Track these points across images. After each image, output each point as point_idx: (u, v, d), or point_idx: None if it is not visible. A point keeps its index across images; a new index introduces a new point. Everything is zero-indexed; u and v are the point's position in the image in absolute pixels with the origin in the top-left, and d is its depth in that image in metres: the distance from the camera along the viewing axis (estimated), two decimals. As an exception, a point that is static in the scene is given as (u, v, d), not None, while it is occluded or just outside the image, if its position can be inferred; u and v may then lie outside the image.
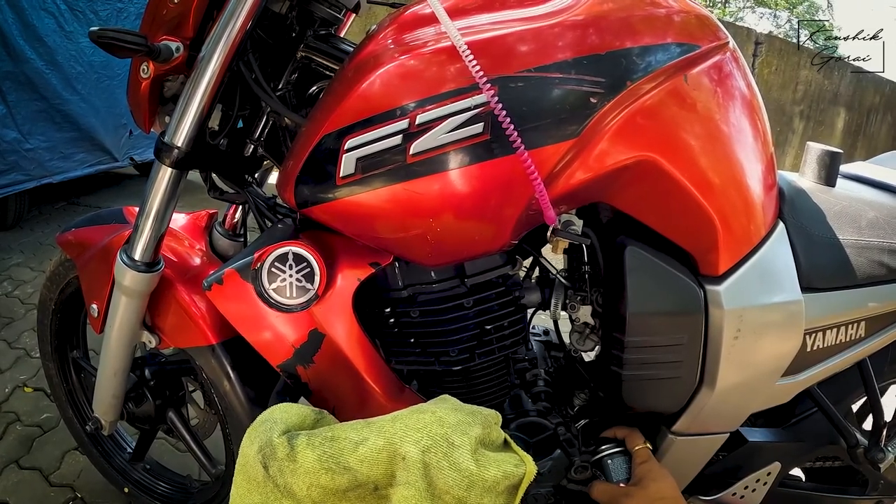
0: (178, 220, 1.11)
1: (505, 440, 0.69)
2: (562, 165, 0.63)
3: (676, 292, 0.76)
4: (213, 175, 0.87)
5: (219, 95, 0.73)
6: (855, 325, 0.90)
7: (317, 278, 0.71)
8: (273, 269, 0.71)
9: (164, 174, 0.76)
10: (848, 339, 0.91)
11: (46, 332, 1.24)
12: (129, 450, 1.30)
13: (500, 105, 0.59)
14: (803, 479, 1.24)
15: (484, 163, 0.61)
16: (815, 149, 0.95)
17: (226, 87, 0.74)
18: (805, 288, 0.82)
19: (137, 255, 0.83)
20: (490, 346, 0.82)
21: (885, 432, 1.03)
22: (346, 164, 0.63)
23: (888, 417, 1.22)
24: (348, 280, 0.73)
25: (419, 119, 0.60)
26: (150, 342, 1.00)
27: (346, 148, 0.63)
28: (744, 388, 0.83)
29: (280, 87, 0.85)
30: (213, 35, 0.69)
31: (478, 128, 0.60)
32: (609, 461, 0.81)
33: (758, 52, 3.71)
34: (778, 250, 0.80)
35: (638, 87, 0.64)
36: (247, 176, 0.91)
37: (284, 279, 0.72)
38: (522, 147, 0.59)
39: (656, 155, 0.66)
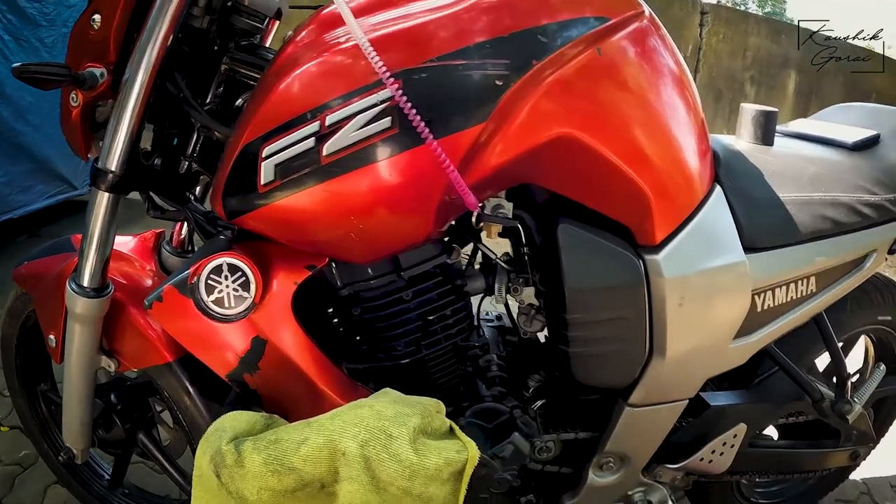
0: (127, 243, 1.09)
1: (451, 427, 0.68)
2: (475, 151, 0.62)
3: (614, 266, 0.74)
4: (153, 195, 0.86)
5: (146, 116, 0.72)
6: (805, 281, 0.89)
7: (252, 286, 0.71)
8: (209, 282, 0.71)
9: (102, 199, 0.75)
10: (799, 296, 0.90)
11: (12, 368, 1.21)
12: (106, 477, 1.28)
13: (404, 98, 0.58)
14: (777, 437, 1.24)
15: (396, 156, 0.61)
16: (749, 110, 0.93)
17: (155, 106, 0.73)
18: (748, 248, 0.80)
19: (85, 282, 0.82)
20: (435, 336, 0.80)
21: (849, 384, 1.03)
22: (266, 172, 0.64)
23: (853, 369, 1.23)
24: (285, 285, 0.74)
25: (329, 120, 0.60)
26: (109, 367, 0.99)
27: (264, 156, 0.63)
28: (696, 354, 0.81)
29: (209, 101, 0.84)
30: (135, 58, 0.69)
31: (386, 122, 0.60)
32: None
33: (704, 21, 3.72)
34: (716, 214, 0.78)
35: (546, 66, 0.62)
36: (188, 192, 0.90)
37: (221, 290, 0.72)
38: (431, 136, 0.59)
39: (575, 130, 0.64)
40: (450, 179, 0.62)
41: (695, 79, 3.96)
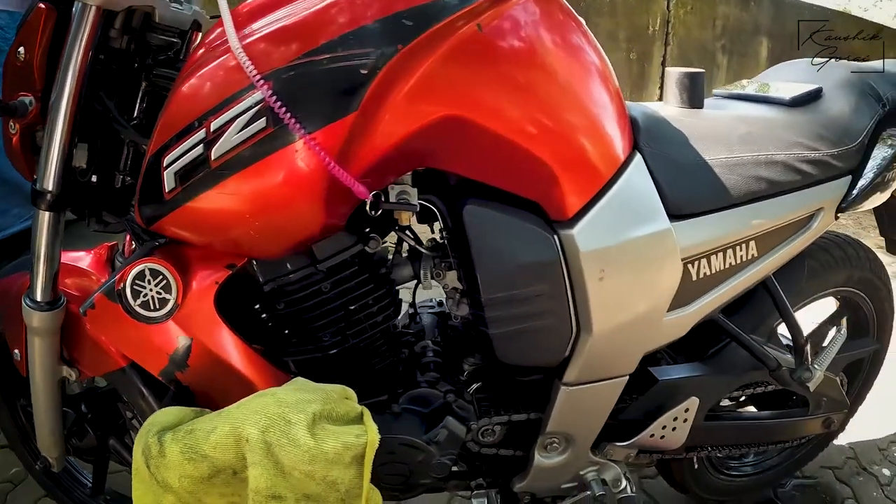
0: (82, 258, 1.12)
1: (362, 413, 0.69)
2: (352, 141, 0.62)
3: (526, 243, 0.72)
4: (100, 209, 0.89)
5: (77, 136, 0.76)
6: (743, 246, 0.85)
7: (173, 289, 0.75)
8: (135, 287, 0.75)
9: (44, 218, 0.79)
10: (739, 262, 0.86)
11: (-8, 386, 1.25)
12: (88, 484, 1.31)
13: (273, 97, 0.60)
14: (751, 409, 1.21)
15: (274, 154, 0.62)
16: (673, 73, 0.89)
17: (85, 125, 0.77)
18: (674, 216, 0.77)
19: (38, 297, 0.85)
20: (360, 325, 0.80)
21: (807, 350, 0.99)
22: (168, 180, 0.67)
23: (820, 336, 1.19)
24: (206, 285, 0.76)
25: (213, 126, 0.63)
26: (70, 376, 1.02)
27: (165, 164, 0.67)
28: (627, 329, 0.79)
29: (135, 115, 0.86)
30: (58, 83, 0.72)
31: (262, 123, 0.62)
32: None
33: (672, -8, 3.63)
34: (636, 182, 0.75)
35: (416, 49, 0.61)
36: (130, 204, 0.93)
37: (146, 294, 0.75)
38: (302, 132, 0.60)
39: (460, 111, 0.63)
40: (330, 172, 0.62)
41: (665, 52, 3.89)
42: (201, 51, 0.69)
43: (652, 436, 0.92)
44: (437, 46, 0.61)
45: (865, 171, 0.95)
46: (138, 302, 0.74)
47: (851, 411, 1.33)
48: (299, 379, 0.72)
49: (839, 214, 0.96)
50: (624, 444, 0.92)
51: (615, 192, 0.74)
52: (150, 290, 0.75)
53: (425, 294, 1.01)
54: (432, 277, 0.82)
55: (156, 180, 0.68)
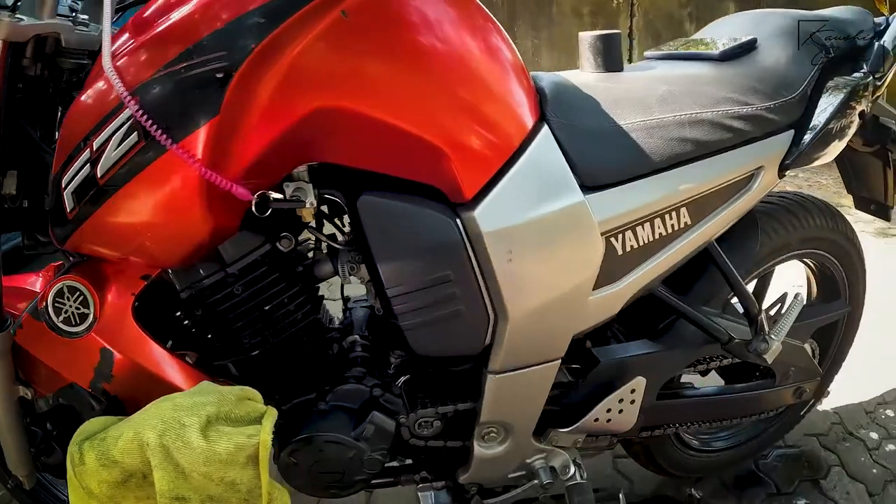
0: (32, 280, 1.14)
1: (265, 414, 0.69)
2: (223, 144, 0.61)
3: (425, 230, 0.68)
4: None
5: (4, 163, 0.76)
6: (673, 213, 0.80)
7: (91, 303, 0.78)
8: (56, 304, 0.78)
9: None
10: (671, 231, 0.81)
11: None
12: (64, 498, 1.31)
13: (140, 111, 0.60)
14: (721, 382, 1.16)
15: (150, 167, 0.63)
16: (586, 38, 0.83)
17: (12, 151, 0.77)
18: (588, 188, 0.72)
19: None
20: (279, 324, 0.78)
21: (762, 319, 0.94)
22: (68, 200, 0.68)
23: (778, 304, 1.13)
24: (123, 297, 0.79)
25: (95, 144, 0.64)
26: (27, 395, 1.03)
27: (63, 185, 0.68)
28: (548, 311, 0.74)
29: (56, 139, 0.86)
30: None
31: (134, 138, 0.63)
32: None
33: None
34: (542, 156, 0.70)
35: (274, 45, 0.59)
36: None
37: (67, 310, 0.78)
38: (170, 142, 0.60)
39: (332, 102, 0.61)
40: (203, 178, 0.61)
41: (631, 24, 3.76)
42: (95, 71, 0.69)
43: (597, 420, 0.87)
44: (297, 39, 0.59)
45: (811, 124, 0.88)
46: (60, 318, 0.78)
47: (829, 377, 1.27)
48: (204, 383, 0.72)
49: (786, 172, 0.90)
50: (567, 430, 0.88)
51: (519, 167, 0.69)
52: (70, 306, 0.78)
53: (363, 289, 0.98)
54: (349, 273, 0.79)
55: (59, 201, 0.70)
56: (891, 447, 1.39)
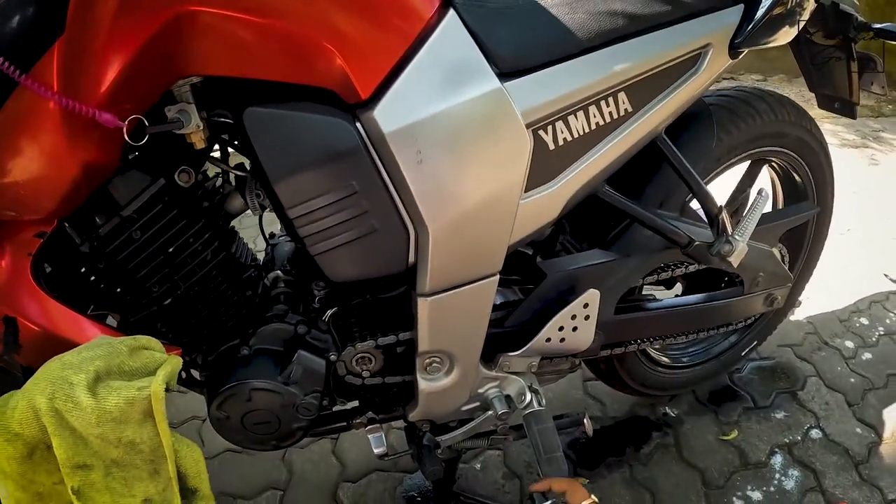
0: None
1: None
2: (76, 68, 0.52)
3: (318, 138, 0.57)
4: None
5: None
6: (610, 99, 0.70)
7: None
8: None
9: None
10: (610, 119, 0.71)
11: None
12: None
13: None
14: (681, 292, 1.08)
15: (7, 104, 0.54)
16: None
17: None
18: (505, 74, 0.62)
19: None
20: (186, 266, 0.68)
21: (723, 219, 0.85)
22: None
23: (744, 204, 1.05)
24: (18, 259, 0.70)
25: None
26: None
27: None
28: (474, 219, 0.65)
29: None
30: None
31: None
32: None
33: None
34: (448, 42, 0.59)
35: None
36: None
37: None
38: (18, 72, 0.51)
39: (189, 5, 0.51)
40: (62, 107, 0.52)
41: None
42: None
43: (549, 340, 0.80)
44: None
45: (763, -1, 0.78)
46: None
47: (800, 285, 1.20)
48: (98, 337, 0.64)
49: (738, 53, 0.80)
50: (517, 354, 0.80)
51: (421, 57, 0.58)
52: None
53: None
54: (259, 203, 0.69)
55: None
56: (867, 356, 1.34)
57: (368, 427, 0.86)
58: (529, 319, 0.81)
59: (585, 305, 0.80)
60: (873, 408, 1.22)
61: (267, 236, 0.89)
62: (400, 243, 0.65)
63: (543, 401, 0.83)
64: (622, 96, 0.71)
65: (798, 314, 1.39)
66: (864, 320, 1.44)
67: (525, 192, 0.68)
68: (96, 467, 0.59)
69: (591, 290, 0.79)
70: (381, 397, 0.84)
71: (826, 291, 1.49)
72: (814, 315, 1.44)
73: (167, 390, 0.64)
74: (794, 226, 1.07)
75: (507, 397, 0.84)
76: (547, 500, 0.70)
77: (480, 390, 0.83)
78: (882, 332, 1.41)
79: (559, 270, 0.80)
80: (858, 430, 1.17)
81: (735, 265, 0.87)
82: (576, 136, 0.69)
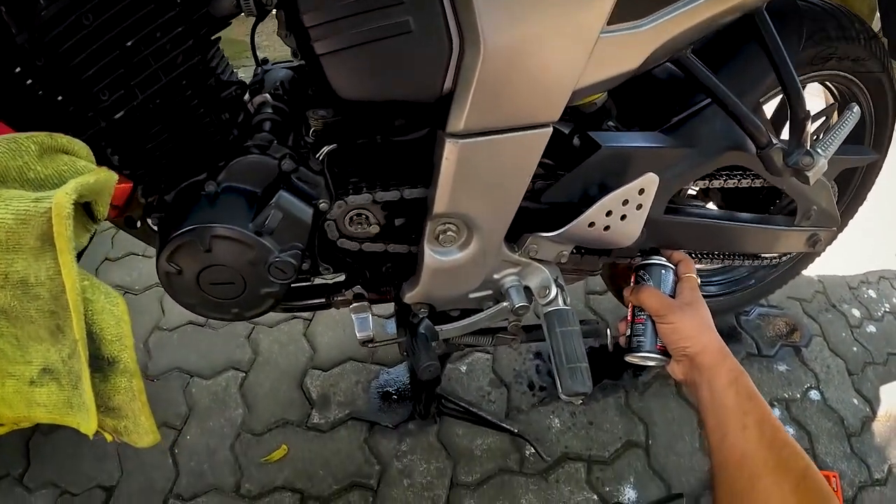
0: None
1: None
2: None
3: None
4: None
5: None
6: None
7: None
8: None
9: None
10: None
11: None
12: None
13: None
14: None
15: None
16: None
17: None
18: None
19: None
20: (148, 69, 0.49)
21: (807, 128, 0.69)
22: None
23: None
24: None
25: None
26: None
27: None
28: (542, 44, 0.47)
29: None
30: None
31: None
32: (662, 271, 0.67)
33: None
34: None
35: None
36: None
37: None
38: None
39: None
40: None
41: None
42: None
43: (592, 224, 0.64)
44: None
45: None
46: None
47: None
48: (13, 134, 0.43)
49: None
50: (552, 235, 0.64)
51: None
52: None
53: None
54: (255, 4, 0.49)
55: None
56: (871, 328, 1.25)
57: (354, 305, 0.71)
58: (572, 197, 0.65)
59: (641, 192, 0.64)
60: (871, 382, 1.14)
61: (259, 60, 0.69)
62: (438, 58, 0.47)
63: (570, 299, 0.68)
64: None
65: (810, 270, 1.28)
66: (872, 293, 1.35)
67: (608, 24, 0.50)
68: None
69: (650, 174, 0.63)
70: (374, 270, 0.68)
71: (840, 253, 1.38)
72: (825, 275, 1.33)
73: (94, 220, 0.46)
74: (853, 166, 0.93)
75: (527, 288, 0.69)
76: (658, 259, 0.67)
77: (496, 276, 0.68)
78: (888, 310, 1.31)
79: (617, 144, 0.64)
80: (855, 401, 1.09)
81: (811, 182, 0.72)
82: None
